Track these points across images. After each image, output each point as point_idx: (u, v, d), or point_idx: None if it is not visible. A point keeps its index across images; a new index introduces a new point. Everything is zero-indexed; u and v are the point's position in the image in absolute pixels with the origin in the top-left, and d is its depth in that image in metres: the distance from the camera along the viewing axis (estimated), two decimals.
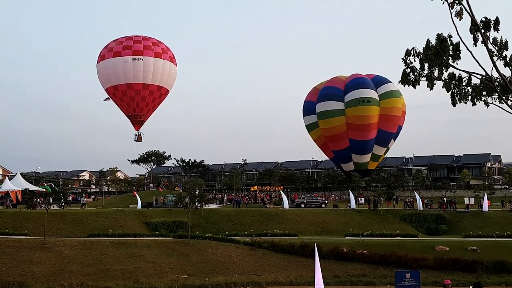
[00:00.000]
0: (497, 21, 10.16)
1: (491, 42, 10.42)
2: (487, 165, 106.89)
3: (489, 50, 10.37)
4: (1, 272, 33.98)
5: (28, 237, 42.01)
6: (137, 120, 75.02)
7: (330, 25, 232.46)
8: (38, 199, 57.80)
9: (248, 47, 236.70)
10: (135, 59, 70.24)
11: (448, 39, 10.51)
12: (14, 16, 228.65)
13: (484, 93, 11.04)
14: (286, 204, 62.57)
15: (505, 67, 10.56)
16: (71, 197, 79.65)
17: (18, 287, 31.87)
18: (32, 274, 34.08)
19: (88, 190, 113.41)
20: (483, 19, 10.19)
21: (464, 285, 29.04)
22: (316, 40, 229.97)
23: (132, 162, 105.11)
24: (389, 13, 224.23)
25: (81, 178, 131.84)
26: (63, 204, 60.66)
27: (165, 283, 33.84)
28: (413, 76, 11.11)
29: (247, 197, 77.03)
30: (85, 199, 69.26)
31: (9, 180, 61.50)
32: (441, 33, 10.57)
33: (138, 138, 76.25)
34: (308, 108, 79.81)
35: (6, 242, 38.48)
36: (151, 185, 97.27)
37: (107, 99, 74.75)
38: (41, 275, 34.15)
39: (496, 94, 10.94)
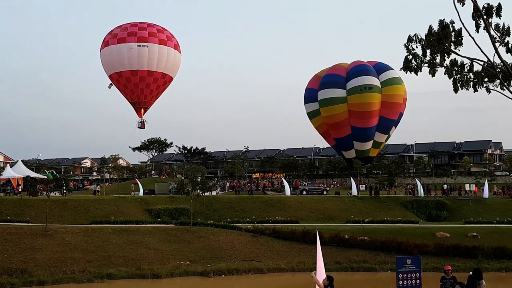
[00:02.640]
0: (499, 7, 10.13)
1: (493, 28, 10.39)
2: (488, 152, 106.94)
3: (491, 36, 10.34)
4: (3, 259, 34.08)
5: (30, 224, 42.06)
6: (141, 107, 74.91)
7: (331, 12, 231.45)
8: (40, 186, 57.89)
9: (250, 34, 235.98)
10: (140, 45, 69.94)
11: (450, 25, 10.48)
12: (19, 2, 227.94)
13: (486, 79, 11.02)
14: (287, 191, 62.66)
15: (507, 53, 10.54)
16: (72, 184, 79.80)
17: (20, 273, 31.97)
18: (35, 261, 34.21)
19: (90, 177, 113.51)
20: (486, 5, 10.16)
21: (464, 271, 29.10)
22: (318, 27, 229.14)
23: (134, 149, 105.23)
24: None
25: (82, 165, 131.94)
26: (64, 191, 60.73)
27: (167, 270, 34.03)
28: (415, 63, 11.09)
29: (248, 184, 77.15)
30: (98, 186, 69.26)
31: (11, 167, 61.52)
32: (444, 19, 10.55)
33: (142, 125, 76.24)
34: (310, 95, 79.65)
35: (8, 229, 38.52)
36: (152, 172, 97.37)
37: (110, 85, 74.59)
38: (43, 262, 34.28)
39: (498, 80, 10.93)
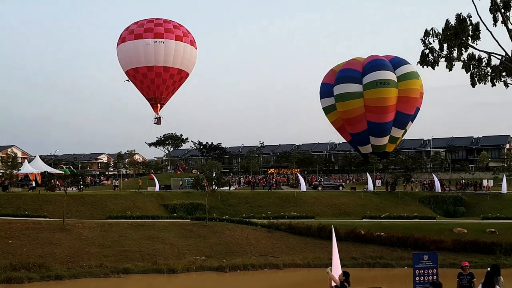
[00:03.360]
0: None
1: (511, 22, 10.24)
2: (507, 147, 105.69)
3: (509, 30, 10.19)
4: (21, 253, 34.45)
5: (48, 219, 42.40)
6: (157, 103, 75.25)
7: (347, 6, 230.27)
8: (57, 182, 58.43)
9: (265, 30, 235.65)
10: (156, 41, 70.20)
11: (467, 19, 10.34)
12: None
13: (504, 73, 10.86)
14: (303, 186, 62.58)
15: None
16: (89, 179, 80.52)
17: (38, 268, 32.25)
18: (52, 256, 34.52)
19: (107, 173, 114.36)
20: None
21: (482, 267, 28.84)
22: (332, 21, 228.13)
23: (150, 145, 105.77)
24: None
25: (99, 160, 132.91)
26: (81, 186, 61.26)
27: (183, 265, 34.16)
28: (432, 57, 10.97)
29: (264, 180, 77.29)
30: (117, 182, 69.94)
31: (29, 162, 62.14)
32: (461, 13, 10.41)
33: (158, 121, 76.58)
34: (325, 90, 79.33)
35: (26, 224, 38.88)
36: (168, 167, 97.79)
37: (127, 80, 74.99)
38: (60, 256, 34.58)
39: None
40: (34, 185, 56.89)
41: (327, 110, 79.68)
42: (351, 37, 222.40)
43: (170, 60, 70.99)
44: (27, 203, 47.34)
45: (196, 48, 75.17)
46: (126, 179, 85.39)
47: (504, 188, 58.23)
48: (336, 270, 15.39)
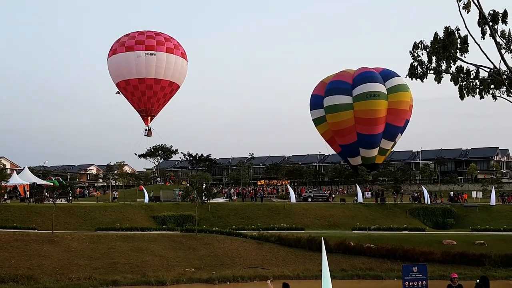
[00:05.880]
0: (505, 14, 10.08)
1: (499, 35, 10.34)
2: (495, 159, 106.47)
3: (497, 43, 10.29)
4: (9, 265, 34.17)
5: (36, 230, 42.17)
6: (148, 115, 75.17)
7: (337, 18, 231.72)
8: (46, 193, 58.05)
9: (255, 42, 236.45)
10: (147, 54, 70.26)
11: (456, 32, 10.43)
12: (27, 8, 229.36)
13: (492, 86, 10.95)
14: (293, 198, 62.56)
15: None
16: (78, 191, 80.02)
17: (26, 280, 32.00)
18: (40, 268, 34.26)
19: (96, 184, 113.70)
20: (491, 11, 10.11)
21: (471, 279, 28.89)
22: (323, 33, 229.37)
23: (140, 156, 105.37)
24: (397, 5, 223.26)
25: (88, 172, 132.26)
26: (70, 198, 60.89)
27: (173, 277, 33.97)
28: (421, 70, 11.04)
29: (252, 191, 77.13)
30: (116, 193, 69.41)
31: (17, 174, 61.69)
32: (449, 26, 10.50)
33: (148, 133, 76.43)
34: (315, 102, 79.65)
35: (15, 236, 38.66)
36: (158, 179, 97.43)
37: (118, 92, 74.88)
38: (49, 268, 34.32)
39: (504, 87, 10.87)
40: (6, 197, 56.23)
41: (317, 122, 79.93)
42: (341, 49, 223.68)
43: (161, 72, 71.05)
44: (16, 214, 47.03)
45: (187, 61, 75.35)
46: (114, 191, 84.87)
47: (492, 200, 58.49)
48: (326, 282, 15.34)
